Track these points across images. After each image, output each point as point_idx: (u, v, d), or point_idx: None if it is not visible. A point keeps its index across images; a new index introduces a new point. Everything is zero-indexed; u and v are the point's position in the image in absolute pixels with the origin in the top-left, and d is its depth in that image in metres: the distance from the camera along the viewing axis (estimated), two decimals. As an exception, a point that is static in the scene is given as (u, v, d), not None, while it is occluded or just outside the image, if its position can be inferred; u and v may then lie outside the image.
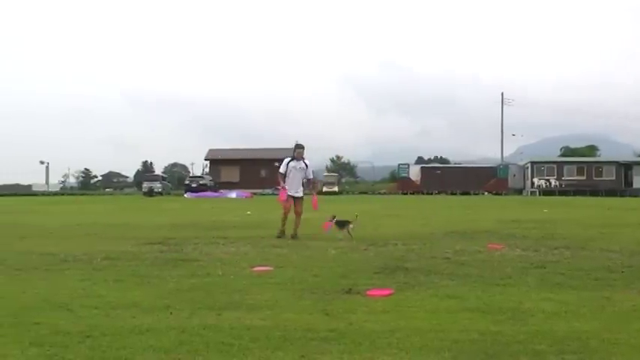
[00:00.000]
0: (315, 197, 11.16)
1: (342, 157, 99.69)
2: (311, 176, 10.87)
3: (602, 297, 5.07)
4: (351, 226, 10.03)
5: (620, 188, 50.57)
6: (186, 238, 10.05)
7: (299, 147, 10.61)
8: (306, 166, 10.61)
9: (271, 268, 6.65)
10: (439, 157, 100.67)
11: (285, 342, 3.72)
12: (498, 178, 53.69)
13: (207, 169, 66.11)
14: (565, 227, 12.67)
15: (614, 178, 52.73)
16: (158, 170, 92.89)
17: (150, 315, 4.43)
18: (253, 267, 6.75)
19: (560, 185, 51.90)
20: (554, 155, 74.01)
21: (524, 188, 55.09)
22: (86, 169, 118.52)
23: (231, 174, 56.96)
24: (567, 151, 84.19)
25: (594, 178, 52.49)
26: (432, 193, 50.18)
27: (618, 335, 3.87)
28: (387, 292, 5.26)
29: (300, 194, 10.54)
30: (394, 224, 13.89)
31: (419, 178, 54.76)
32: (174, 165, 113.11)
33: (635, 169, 52.85)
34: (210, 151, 62.59)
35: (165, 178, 59.74)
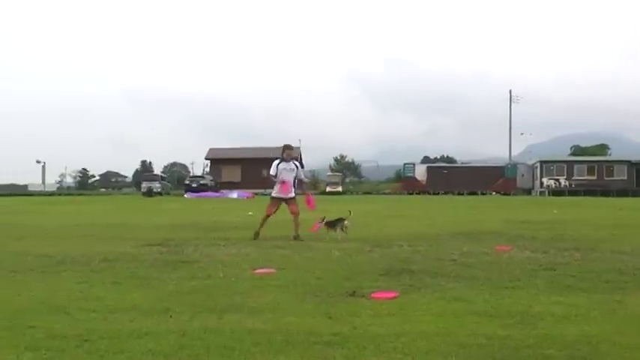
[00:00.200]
0: (310, 197, 10.92)
1: (346, 156, 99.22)
2: (302, 177, 10.77)
3: (613, 300, 4.97)
4: (345, 222, 9.91)
5: (632, 188, 49.94)
6: (186, 240, 9.97)
7: (288, 148, 10.51)
8: (296, 167, 10.50)
9: (273, 270, 6.57)
10: (446, 156, 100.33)
11: (287, 346, 3.66)
12: (506, 177, 53.53)
13: (207, 169, 66.29)
14: (575, 228, 12.51)
15: (625, 177, 52.29)
16: (157, 170, 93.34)
17: (149, 318, 4.36)
18: (255, 269, 6.67)
19: (570, 185, 51.59)
20: (564, 154, 73.62)
21: (533, 188, 54.85)
22: (84, 168, 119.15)
23: (233, 174, 56.86)
24: (577, 150, 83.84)
25: (605, 178, 52.07)
26: (438, 193, 50.13)
27: (630, 339, 3.78)
28: (392, 294, 5.17)
29: (292, 195, 10.43)
30: (399, 225, 13.79)
31: (425, 178, 54.69)
32: (174, 164, 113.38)
33: (647, 169, 52.45)
34: (211, 150, 62.49)
35: (165, 177, 60.00)
